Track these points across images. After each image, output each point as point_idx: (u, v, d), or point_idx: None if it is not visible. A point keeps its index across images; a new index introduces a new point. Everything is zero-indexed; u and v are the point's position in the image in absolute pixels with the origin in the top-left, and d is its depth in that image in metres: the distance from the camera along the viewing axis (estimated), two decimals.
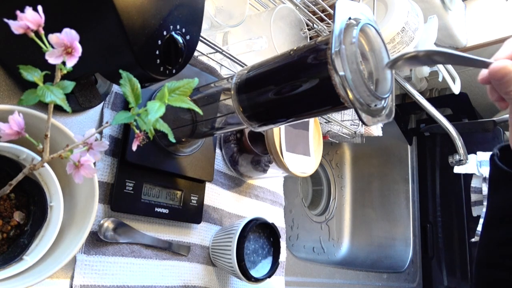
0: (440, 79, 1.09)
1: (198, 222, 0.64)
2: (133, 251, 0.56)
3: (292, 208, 1.16)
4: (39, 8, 0.29)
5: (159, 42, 0.41)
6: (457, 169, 1.14)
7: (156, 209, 0.58)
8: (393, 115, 0.41)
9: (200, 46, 0.56)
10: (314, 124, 0.74)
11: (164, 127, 0.32)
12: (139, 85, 0.33)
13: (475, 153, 1.08)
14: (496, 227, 0.44)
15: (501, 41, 1.07)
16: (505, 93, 0.35)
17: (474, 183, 1.17)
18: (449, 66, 1.11)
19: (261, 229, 0.67)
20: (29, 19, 0.28)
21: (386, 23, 0.89)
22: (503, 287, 0.43)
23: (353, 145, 1.41)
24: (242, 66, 0.63)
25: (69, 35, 0.29)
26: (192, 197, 0.63)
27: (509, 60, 0.34)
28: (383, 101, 0.40)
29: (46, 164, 0.41)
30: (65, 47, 0.29)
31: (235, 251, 0.61)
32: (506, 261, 0.43)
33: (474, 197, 1.17)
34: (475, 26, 1.18)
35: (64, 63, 0.29)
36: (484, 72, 0.36)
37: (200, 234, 0.66)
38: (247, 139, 0.70)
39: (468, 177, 1.20)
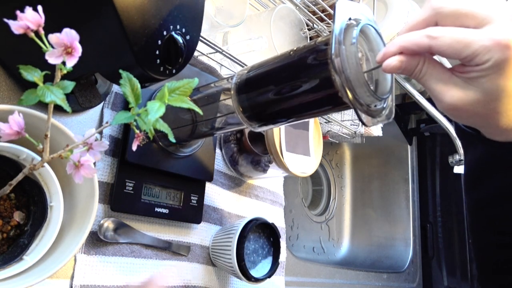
0: None
1: (198, 222, 0.64)
2: (133, 251, 0.56)
3: (292, 208, 1.16)
4: (39, 8, 0.29)
5: (159, 42, 0.41)
6: (457, 169, 1.14)
7: (156, 209, 0.58)
8: (393, 116, 0.41)
9: (200, 46, 0.56)
10: (314, 124, 0.74)
11: (164, 127, 0.32)
12: (139, 85, 0.33)
13: None
14: (473, 188, 0.44)
15: None
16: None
17: None
18: None
19: (261, 229, 0.67)
20: (29, 19, 0.28)
21: (386, 23, 0.89)
22: None
23: (353, 145, 1.41)
24: (242, 66, 0.63)
25: (69, 35, 0.29)
26: (192, 197, 0.63)
27: (393, 57, 0.35)
28: (383, 102, 0.40)
29: (46, 164, 0.41)
30: (65, 47, 0.29)
31: (235, 251, 0.61)
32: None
33: None
34: None
35: (64, 63, 0.29)
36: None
37: (200, 234, 0.66)
38: (247, 139, 0.70)
39: None
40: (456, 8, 0.33)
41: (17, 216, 0.44)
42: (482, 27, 0.32)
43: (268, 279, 0.65)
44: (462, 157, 0.89)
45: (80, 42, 0.30)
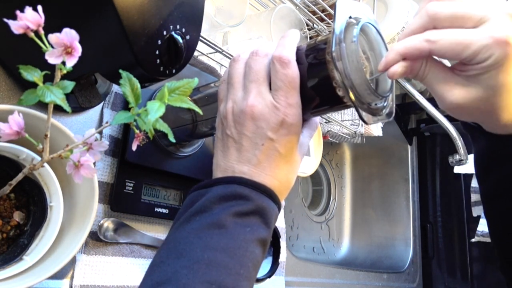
0: None
1: None
2: (133, 251, 0.56)
3: (292, 208, 1.16)
4: (39, 8, 0.29)
5: (159, 42, 0.41)
6: (457, 169, 1.14)
7: (156, 209, 0.58)
8: (393, 115, 0.41)
9: (200, 46, 0.56)
10: None
11: (164, 127, 0.32)
12: (139, 85, 0.33)
13: None
14: (483, 179, 0.45)
15: None
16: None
17: (474, 183, 1.17)
18: None
19: None
20: (29, 19, 0.28)
21: (386, 23, 0.89)
22: None
23: (353, 145, 1.41)
24: None
25: (69, 35, 0.29)
26: None
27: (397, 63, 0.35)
28: (383, 100, 0.40)
29: (46, 164, 0.41)
30: (65, 47, 0.29)
31: None
32: None
33: (474, 197, 1.17)
34: None
35: (64, 63, 0.29)
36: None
37: None
38: None
39: (468, 177, 1.20)
40: (452, 12, 0.33)
41: (17, 216, 0.44)
42: (480, 26, 0.32)
43: (268, 279, 0.65)
44: (462, 157, 0.89)
45: (80, 42, 0.30)
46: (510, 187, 0.42)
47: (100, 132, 0.52)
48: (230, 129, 0.41)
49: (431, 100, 0.45)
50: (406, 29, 0.35)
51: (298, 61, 0.40)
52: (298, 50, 0.41)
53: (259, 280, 0.63)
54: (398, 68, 0.35)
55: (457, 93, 0.35)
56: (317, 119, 0.48)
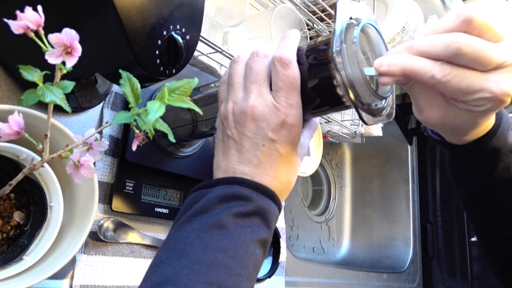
0: None
1: None
2: (133, 251, 0.56)
3: (292, 208, 1.16)
4: (39, 8, 0.29)
5: (159, 42, 0.41)
6: None
7: (156, 209, 0.58)
8: (393, 115, 0.41)
9: (200, 46, 0.56)
10: None
11: (164, 127, 0.32)
12: (139, 85, 0.33)
13: None
14: (456, 186, 0.48)
15: None
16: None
17: None
18: None
19: None
20: (29, 19, 0.28)
21: (386, 23, 0.89)
22: None
23: (353, 145, 1.41)
24: None
25: (69, 35, 0.29)
26: None
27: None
28: (383, 101, 0.40)
29: (46, 164, 0.41)
30: (65, 47, 0.29)
31: None
32: None
33: None
34: None
35: (64, 63, 0.29)
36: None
37: None
38: None
39: None
40: (476, 55, 0.32)
41: (17, 216, 0.44)
42: (493, 72, 0.32)
43: (268, 279, 0.65)
44: None
45: (80, 42, 0.30)
46: (483, 191, 0.44)
47: (100, 132, 0.52)
48: (231, 129, 0.41)
49: None
50: (437, 26, 0.34)
51: (299, 61, 0.40)
52: (299, 51, 0.40)
53: (259, 280, 0.63)
54: (392, 81, 0.35)
55: (435, 113, 0.37)
56: (317, 119, 0.48)
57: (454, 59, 0.32)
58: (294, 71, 0.39)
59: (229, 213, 0.37)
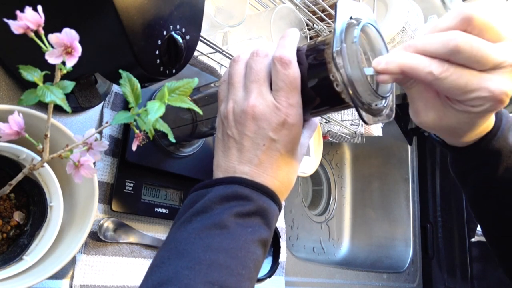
0: None
1: None
2: (133, 251, 0.56)
3: (292, 208, 1.16)
4: (39, 8, 0.29)
5: (159, 42, 0.41)
6: None
7: (156, 209, 0.58)
8: (393, 115, 0.41)
9: (200, 46, 0.56)
10: None
11: (164, 127, 0.32)
12: (139, 85, 0.33)
13: None
14: (461, 186, 0.47)
15: None
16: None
17: None
18: None
19: None
20: (29, 19, 0.28)
21: (386, 23, 0.89)
22: None
23: (353, 145, 1.41)
24: None
25: (69, 35, 0.29)
26: None
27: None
28: (384, 101, 0.40)
29: (46, 164, 0.41)
30: (65, 47, 0.29)
31: None
32: None
33: None
34: None
35: (64, 63, 0.29)
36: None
37: None
38: None
39: None
40: (474, 54, 0.31)
41: (17, 216, 0.44)
42: (491, 72, 0.32)
43: (268, 279, 0.65)
44: None
45: (80, 42, 0.30)
46: (487, 191, 0.44)
47: (100, 132, 0.52)
48: (231, 129, 0.41)
49: None
50: (437, 24, 0.34)
51: (299, 61, 0.40)
52: (299, 51, 0.40)
53: (259, 280, 0.63)
54: (389, 79, 0.35)
55: (431, 116, 0.37)
56: (317, 119, 0.48)
57: (452, 57, 0.32)
58: (294, 71, 0.39)
59: (230, 213, 0.36)
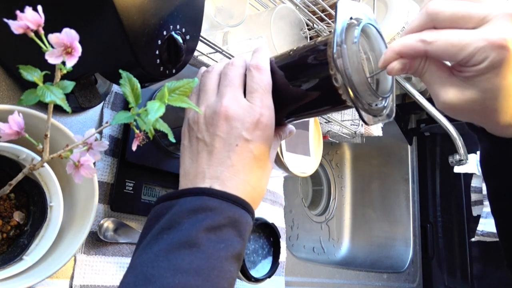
0: None
1: None
2: (133, 251, 0.56)
3: (292, 208, 1.16)
4: (39, 8, 0.29)
5: (159, 42, 0.41)
6: (457, 169, 1.14)
7: None
8: (393, 115, 0.41)
9: (200, 46, 0.56)
10: (314, 124, 0.74)
11: (164, 127, 0.32)
12: (139, 85, 0.33)
13: (475, 153, 1.08)
14: (487, 179, 0.45)
15: None
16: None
17: (474, 182, 1.17)
18: None
19: (261, 229, 0.67)
20: (29, 19, 0.28)
21: (386, 23, 0.89)
22: None
23: (353, 145, 1.41)
24: None
25: (69, 35, 0.29)
26: None
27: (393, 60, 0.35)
28: (384, 101, 0.40)
29: (46, 164, 0.41)
30: (65, 47, 0.29)
31: None
32: None
33: (474, 196, 1.17)
34: None
35: (64, 63, 0.29)
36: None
37: None
38: None
39: (468, 177, 1.20)
40: (453, 11, 0.32)
41: (17, 216, 0.44)
42: (480, 27, 0.32)
43: (268, 279, 0.65)
44: (462, 157, 0.89)
45: (80, 42, 0.30)
46: None
47: (100, 132, 0.52)
48: (202, 132, 0.40)
49: (431, 100, 0.45)
50: (407, 27, 0.35)
51: (272, 70, 0.42)
52: (271, 62, 0.43)
53: (259, 280, 0.63)
54: (396, 64, 0.34)
55: (451, 94, 0.34)
56: (288, 127, 0.47)
57: (436, 23, 0.32)
58: (268, 77, 0.41)
59: (200, 228, 0.34)
